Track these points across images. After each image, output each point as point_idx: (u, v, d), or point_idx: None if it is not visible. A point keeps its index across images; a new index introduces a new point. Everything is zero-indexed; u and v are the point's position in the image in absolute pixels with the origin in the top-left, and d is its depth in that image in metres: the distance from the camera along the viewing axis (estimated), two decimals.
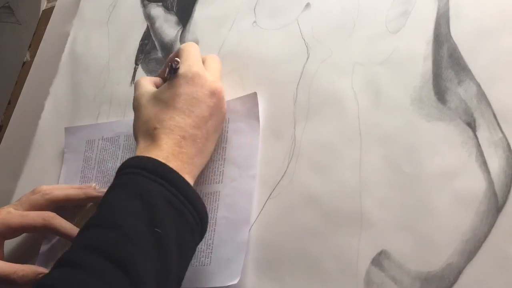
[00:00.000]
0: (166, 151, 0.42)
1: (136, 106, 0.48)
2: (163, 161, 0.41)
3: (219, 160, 0.47)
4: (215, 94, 0.45)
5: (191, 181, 0.42)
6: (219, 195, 0.46)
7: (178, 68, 0.46)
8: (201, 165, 0.45)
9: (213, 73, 0.47)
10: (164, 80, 0.48)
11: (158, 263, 0.36)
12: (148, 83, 0.49)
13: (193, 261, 0.44)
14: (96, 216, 0.39)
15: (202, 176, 0.47)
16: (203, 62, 0.49)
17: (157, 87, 0.48)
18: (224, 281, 0.41)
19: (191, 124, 0.44)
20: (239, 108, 0.48)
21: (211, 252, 0.43)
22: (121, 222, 0.37)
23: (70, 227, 0.49)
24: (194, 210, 0.40)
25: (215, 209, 0.45)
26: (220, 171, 0.47)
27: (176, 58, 0.47)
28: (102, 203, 0.40)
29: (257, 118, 0.47)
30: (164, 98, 0.45)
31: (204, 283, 0.42)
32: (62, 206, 0.52)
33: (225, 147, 0.47)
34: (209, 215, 0.45)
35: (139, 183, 0.39)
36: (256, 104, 0.47)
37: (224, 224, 0.44)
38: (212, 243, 0.44)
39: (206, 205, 0.45)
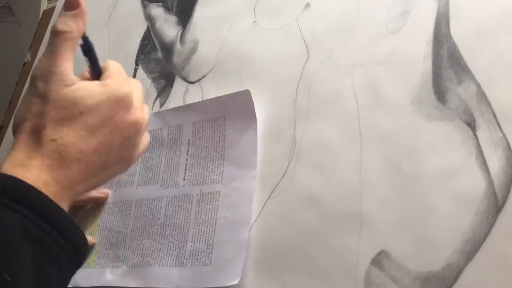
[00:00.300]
0: (47, 174, 0.33)
1: (37, 84, 0.35)
2: (42, 184, 0.32)
3: (218, 160, 0.47)
4: (136, 125, 0.39)
5: (66, 209, 0.34)
6: (219, 195, 0.46)
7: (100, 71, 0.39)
8: (80, 194, 0.37)
9: (137, 99, 0.39)
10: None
11: None
12: (68, 63, 0.36)
13: (193, 261, 0.44)
14: None
15: (201, 176, 0.47)
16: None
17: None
18: (224, 281, 0.41)
19: (93, 148, 0.36)
20: (233, 104, 0.48)
21: (211, 252, 0.44)
22: None
23: None
24: (65, 242, 0.32)
25: (215, 209, 0.45)
26: (220, 171, 0.47)
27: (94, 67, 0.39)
28: None
29: (254, 117, 0.47)
30: (79, 105, 0.35)
31: (204, 283, 0.42)
32: None
33: (224, 146, 0.48)
34: (209, 215, 0.45)
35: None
36: (251, 102, 0.47)
37: (224, 224, 0.44)
38: (212, 243, 0.44)
39: (206, 205, 0.45)
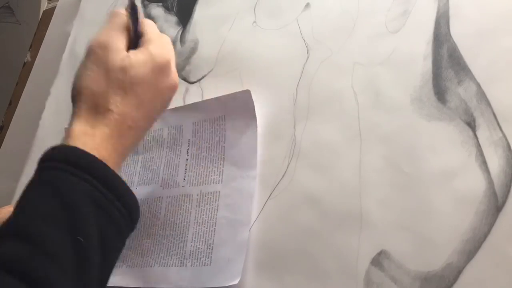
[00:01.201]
0: (107, 142, 0.37)
1: (97, 59, 0.39)
2: (94, 148, 0.36)
3: (218, 160, 0.47)
4: (174, 89, 0.42)
5: (119, 171, 0.38)
6: (219, 195, 0.46)
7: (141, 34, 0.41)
8: (128, 154, 0.40)
9: (173, 61, 0.42)
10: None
11: (77, 280, 0.32)
12: (121, 39, 0.40)
13: (193, 261, 0.44)
14: (9, 223, 0.33)
15: (201, 176, 0.47)
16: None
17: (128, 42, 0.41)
18: (224, 281, 0.41)
19: (142, 115, 0.39)
20: (233, 104, 0.48)
21: (211, 252, 0.44)
22: (37, 232, 0.32)
23: None
24: (123, 207, 0.36)
25: (215, 209, 0.45)
26: (220, 171, 0.47)
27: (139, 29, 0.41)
28: (18, 205, 0.34)
29: (254, 117, 0.47)
30: (126, 74, 0.38)
31: (204, 283, 0.43)
32: None
33: (224, 146, 0.48)
34: (209, 215, 0.45)
35: (60, 181, 0.34)
36: (251, 102, 0.47)
37: (224, 224, 0.44)
38: (213, 243, 0.44)
39: (206, 205, 0.45)
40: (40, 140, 0.64)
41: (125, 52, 0.39)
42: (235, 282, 0.41)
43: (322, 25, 0.48)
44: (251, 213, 0.44)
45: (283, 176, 0.44)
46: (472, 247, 0.35)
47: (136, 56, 0.39)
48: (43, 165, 0.36)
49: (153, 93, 0.40)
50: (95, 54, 0.39)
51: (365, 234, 0.39)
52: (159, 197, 0.49)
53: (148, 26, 0.42)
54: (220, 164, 0.47)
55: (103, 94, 0.38)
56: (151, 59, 0.39)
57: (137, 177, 0.52)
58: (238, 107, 0.48)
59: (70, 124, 0.38)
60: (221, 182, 0.46)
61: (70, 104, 0.66)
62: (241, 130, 0.47)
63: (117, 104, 0.38)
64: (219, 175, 0.47)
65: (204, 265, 0.43)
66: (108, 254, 0.35)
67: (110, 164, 0.36)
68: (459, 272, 0.35)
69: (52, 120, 0.65)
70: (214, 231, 0.44)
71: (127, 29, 0.41)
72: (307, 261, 0.41)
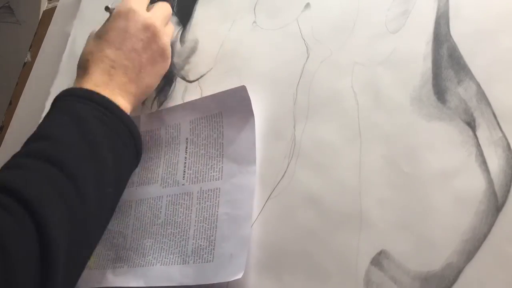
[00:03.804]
0: (95, 80, 0.46)
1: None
2: (92, 87, 0.45)
3: (217, 157, 0.47)
4: (148, 29, 0.49)
5: (126, 104, 0.46)
6: (219, 192, 0.46)
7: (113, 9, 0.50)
8: (137, 93, 0.48)
9: (153, 13, 0.51)
10: None
11: (93, 163, 0.40)
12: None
13: (195, 258, 0.44)
14: (32, 135, 0.42)
15: (201, 173, 0.47)
16: (152, 7, 0.53)
17: None
18: (228, 276, 0.41)
19: (121, 56, 0.47)
20: (229, 101, 0.48)
21: (213, 249, 0.44)
22: (54, 133, 0.40)
23: None
24: (124, 126, 0.44)
25: (215, 205, 0.45)
26: (219, 168, 0.47)
27: (108, 5, 0.51)
28: (38, 127, 0.43)
29: (250, 112, 0.47)
30: (99, 33, 0.49)
31: (208, 279, 0.42)
32: None
33: (223, 143, 0.48)
34: (210, 212, 0.45)
35: (72, 106, 0.43)
36: (247, 98, 0.47)
37: (226, 220, 0.44)
38: (214, 240, 0.44)
39: (206, 202, 0.45)
40: None
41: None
42: (239, 276, 0.41)
43: (322, 25, 0.48)
44: (253, 208, 0.44)
45: (283, 176, 0.44)
46: (472, 247, 0.35)
47: (107, 18, 0.50)
48: (59, 99, 0.45)
49: (122, 35, 0.48)
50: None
51: (365, 234, 0.39)
52: (159, 196, 0.49)
53: None
54: (219, 161, 0.47)
55: (87, 48, 0.49)
56: (115, 12, 0.50)
57: (136, 178, 0.52)
58: (235, 103, 0.48)
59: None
60: (221, 179, 0.46)
61: None
62: (238, 126, 0.47)
63: (95, 52, 0.47)
64: (219, 171, 0.47)
65: (207, 262, 0.43)
66: (118, 158, 0.43)
67: (107, 94, 0.45)
68: (459, 272, 0.35)
69: None
70: (216, 228, 0.44)
71: None
72: (307, 261, 0.41)
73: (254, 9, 0.54)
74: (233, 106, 0.48)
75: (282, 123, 0.46)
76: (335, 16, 0.48)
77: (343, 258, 0.39)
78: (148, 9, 0.52)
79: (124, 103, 0.46)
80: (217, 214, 0.45)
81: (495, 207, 0.35)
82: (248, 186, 0.45)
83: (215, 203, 0.45)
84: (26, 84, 0.71)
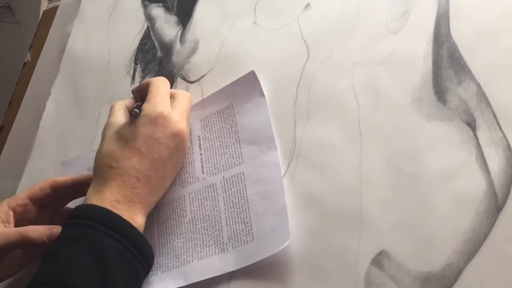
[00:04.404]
0: (117, 194, 0.43)
1: (102, 136, 0.48)
2: (112, 205, 0.42)
3: (234, 144, 0.48)
4: (177, 136, 0.45)
5: (143, 221, 0.44)
6: (243, 175, 0.46)
7: (140, 111, 0.46)
8: (155, 201, 0.46)
9: (180, 112, 0.47)
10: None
11: None
12: (119, 112, 0.48)
13: (234, 243, 0.44)
14: (46, 271, 0.39)
15: (220, 164, 0.48)
16: (172, 97, 0.49)
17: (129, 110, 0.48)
18: (274, 248, 0.41)
19: (147, 165, 0.44)
20: (240, 90, 0.49)
21: (251, 229, 0.43)
22: (72, 281, 0.37)
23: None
24: (143, 260, 0.42)
25: (243, 189, 0.45)
26: (238, 153, 0.47)
27: (135, 109, 0.47)
28: (51, 255, 0.40)
29: (261, 95, 0.48)
30: (125, 136, 0.45)
31: (252, 259, 0.42)
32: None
33: (237, 130, 0.48)
34: (239, 196, 0.45)
35: (92, 238, 0.40)
36: (256, 82, 0.48)
37: (257, 199, 0.44)
38: (250, 220, 0.44)
39: (232, 188, 0.46)
40: (40, 140, 0.64)
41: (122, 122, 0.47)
42: (286, 243, 0.40)
43: (322, 25, 0.49)
44: (282, 180, 0.44)
45: (283, 176, 0.44)
46: (472, 247, 0.35)
47: (131, 119, 0.47)
48: (73, 221, 0.42)
49: (151, 143, 0.44)
50: (104, 131, 0.48)
51: (365, 234, 0.39)
52: (181, 196, 0.49)
53: (152, 86, 0.48)
54: (237, 147, 0.47)
55: (107, 156, 0.45)
56: (143, 115, 0.45)
57: None
58: (245, 90, 0.48)
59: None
60: (243, 163, 0.46)
61: (70, 104, 0.66)
62: (251, 110, 0.48)
63: (117, 161, 0.44)
64: (239, 157, 0.47)
65: (247, 243, 0.43)
66: None
67: (126, 210, 0.42)
68: (459, 272, 0.35)
69: (52, 120, 0.65)
70: (248, 209, 0.44)
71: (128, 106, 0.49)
72: (307, 261, 0.41)
73: (255, 9, 0.54)
74: (243, 94, 0.49)
75: (282, 123, 0.47)
76: (335, 16, 0.48)
77: (344, 258, 0.39)
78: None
79: (142, 220, 0.44)
80: (247, 196, 0.45)
81: (496, 207, 0.35)
82: (272, 161, 0.45)
83: (242, 186, 0.46)
84: (26, 84, 0.71)
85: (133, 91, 0.51)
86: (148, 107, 0.46)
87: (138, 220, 0.43)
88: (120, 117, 0.48)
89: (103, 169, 0.45)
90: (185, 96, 0.49)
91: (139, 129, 0.45)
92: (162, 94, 0.47)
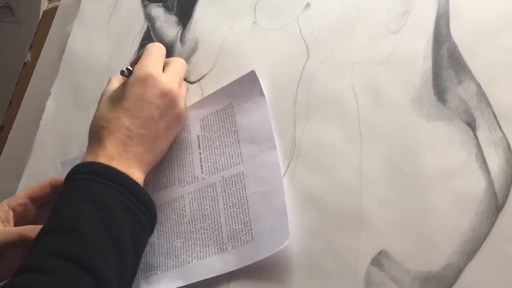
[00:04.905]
0: (111, 151, 0.44)
1: (98, 103, 0.49)
2: (107, 161, 0.43)
3: (233, 143, 0.47)
4: (166, 95, 0.46)
5: (141, 176, 0.45)
6: (243, 175, 0.46)
7: (132, 71, 0.48)
8: (151, 161, 0.47)
9: (171, 75, 0.48)
10: None
11: (118, 264, 0.38)
12: (116, 82, 0.50)
13: (233, 243, 0.44)
14: (54, 221, 0.40)
15: (219, 163, 0.48)
16: (167, 63, 0.50)
17: None
18: (273, 248, 0.41)
19: (138, 124, 0.45)
20: (239, 90, 0.49)
21: (250, 229, 0.43)
22: (80, 227, 0.38)
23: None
24: (145, 209, 0.42)
25: (242, 189, 0.45)
26: (238, 153, 0.47)
27: (128, 67, 0.48)
28: (56, 208, 0.41)
29: (261, 94, 0.48)
30: (116, 98, 0.47)
31: (251, 259, 0.42)
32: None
33: (236, 130, 0.48)
34: (238, 196, 0.45)
35: (91, 188, 0.41)
36: (256, 81, 0.48)
37: (257, 199, 0.44)
38: (249, 220, 0.44)
39: (231, 188, 0.46)
40: (40, 140, 0.64)
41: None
42: (285, 243, 0.40)
43: (322, 25, 0.49)
44: (281, 179, 0.44)
45: (283, 176, 0.44)
46: (472, 247, 0.35)
47: (123, 82, 0.48)
48: (72, 178, 0.43)
49: (140, 103, 0.45)
50: (99, 99, 0.50)
51: (365, 234, 0.39)
52: (180, 196, 0.49)
53: (145, 50, 0.50)
54: (237, 147, 0.47)
55: (99, 119, 0.47)
56: (132, 76, 0.47)
57: (151, 186, 0.51)
58: (245, 90, 0.48)
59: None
60: (242, 163, 0.46)
61: (70, 104, 0.66)
62: (251, 110, 0.48)
63: (109, 121, 0.45)
64: (238, 157, 0.47)
65: (246, 243, 0.43)
66: (137, 248, 0.41)
67: (123, 165, 0.43)
68: (459, 272, 0.35)
69: (52, 120, 0.65)
70: (248, 209, 0.44)
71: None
72: (307, 261, 0.41)
73: (254, 9, 0.54)
74: (242, 93, 0.49)
75: (282, 123, 0.47)
76: (335, 16, 0.48)
77: (343, 258, 0.39)
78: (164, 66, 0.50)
79: (140, 175, 0.44)
80: (246, 196, 0.45)
81: (495, 207, 0.35)
82: (271, 161, 0.45)
83: (241, 186, 0.46)
84: (26, 84, 0.71)
85: (131, 64, 0.51)
86: (138, 68, 0.47)
87: (134, 173, 0.44)
88: (115, 86, 0.49)
89: (96, 131, 0.46)
90: (178, 61, 0.51)
91: (129, 89, 0.46)
92: (154, 56, 0.48)
